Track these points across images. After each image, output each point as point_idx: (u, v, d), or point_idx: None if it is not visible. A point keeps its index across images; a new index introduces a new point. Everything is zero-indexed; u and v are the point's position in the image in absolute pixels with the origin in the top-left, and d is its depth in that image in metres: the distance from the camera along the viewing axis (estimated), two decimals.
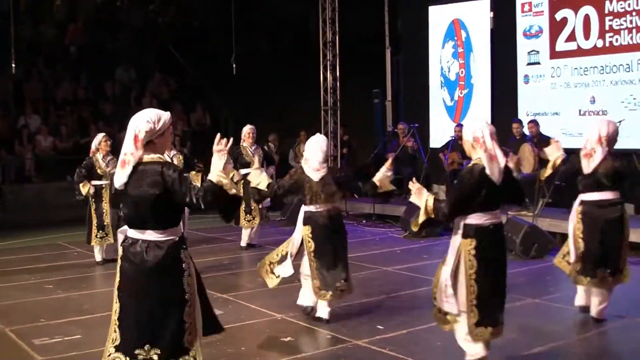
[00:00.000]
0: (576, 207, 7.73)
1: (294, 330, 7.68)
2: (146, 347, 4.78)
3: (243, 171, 12.20)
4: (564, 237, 11.89)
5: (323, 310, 7.85)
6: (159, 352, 4.79)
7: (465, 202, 5.75)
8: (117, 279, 4.95)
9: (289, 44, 25.15)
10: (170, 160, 4.96)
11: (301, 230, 7.84)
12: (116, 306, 4.91)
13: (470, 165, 5.83)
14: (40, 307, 8.89)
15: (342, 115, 18.08)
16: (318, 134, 8.11)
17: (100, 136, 11.64)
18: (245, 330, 7.76)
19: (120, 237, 5.00)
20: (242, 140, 12.51)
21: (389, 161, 8.24)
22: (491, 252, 5.83)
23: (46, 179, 17.47)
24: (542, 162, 12.92)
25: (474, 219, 5.79)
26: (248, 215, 12.33)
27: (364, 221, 15.52)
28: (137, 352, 4.79)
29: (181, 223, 5.00)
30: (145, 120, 4.81)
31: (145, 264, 4.79)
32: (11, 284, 10.23)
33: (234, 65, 18.25)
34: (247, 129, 12.54)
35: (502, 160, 5.74)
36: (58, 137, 18.36)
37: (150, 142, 4.82)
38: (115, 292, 4.95)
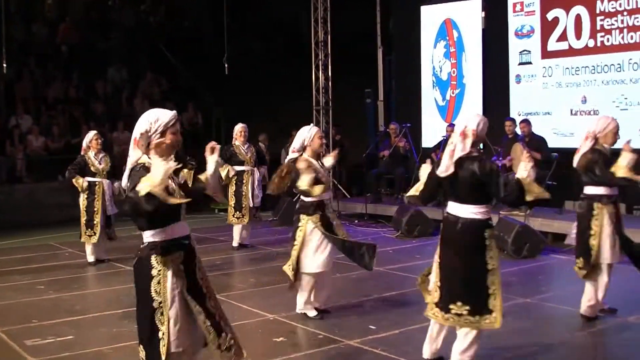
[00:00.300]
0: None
1: (286, 331, 7.68)
2: None
3: (237, 168, 12.24)
4: (555, 236, 12.00)
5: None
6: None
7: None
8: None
9: (281, 43, 25.14)
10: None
11: None
12: None
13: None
14: (32, 308, 8.87)
15: (334, 115, 18.08)
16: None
17: (91, 134, 11.57)
18: (237, 331, 7.73)
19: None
20: (234, 139, 12.52)
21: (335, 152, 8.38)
22: (447, 242, 6.05)
23: (37, 179, 17.41)
24: (534, 162, 13.00)
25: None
26: (237, 212, 12.32)
27: (357, 221, 15.52)
28: None
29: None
30: (145, 120, 4.77)
31: None
32: (3, 285, 10.21)
33: (226, 65, 18.23)
34: (239, 128, 12.53)
35: (459, 153, 5.91)
36: (49, 137, 18.31)
37: (150, 143, 4.75)
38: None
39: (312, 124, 8.17)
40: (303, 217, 7.82)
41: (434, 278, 6.09)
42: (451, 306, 5.93)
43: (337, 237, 7.79)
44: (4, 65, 17.41)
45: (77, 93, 20.42)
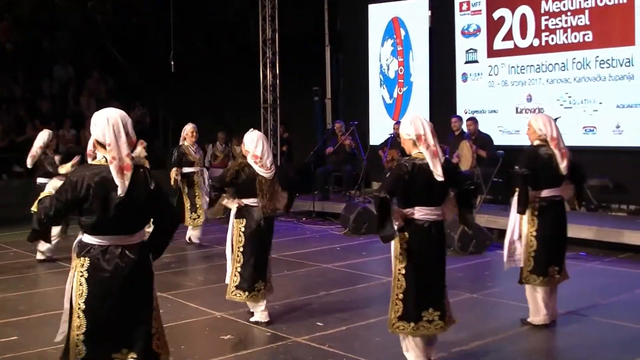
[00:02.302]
0: None
1: (234, 329, 7.66)
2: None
3: (187, 170, 12.20)
4: (501, 233, 12.11)
5: (260, 314, 7.85)
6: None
7: (395, 191, 5.80)
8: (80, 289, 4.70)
9: (226, 42, 25.06)
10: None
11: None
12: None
13: (408, 158, 5.89)
14: None
15: (282, 113, 18.08)
16: (256, 130, 8.00)
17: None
18: (184, 329, 7.72)
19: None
20: (182, 139, 12.45)
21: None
22: (420, 249, 5.89)
23: None
24: (480, 159, 13.17)
25: (410, 211, 5.85)
26: (193, 213, 12.29)
27: (304, 218, 15.53)
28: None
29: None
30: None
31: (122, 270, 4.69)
32: None
33: (172, 63, 18.12)
34: (189, 128, 12.47)
35: (442, 156, 5.82)
36: None
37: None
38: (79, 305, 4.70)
39: (256, 130, 8.00)
40: None
41: (396, 289, 5.97)
42: (423, 314, 5.92)
43: None
44: None
45: (22, 92, 20.13)
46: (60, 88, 20.83)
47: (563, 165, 7.26)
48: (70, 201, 4.57)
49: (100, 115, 4.70)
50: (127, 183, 4.54)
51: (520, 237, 7.50)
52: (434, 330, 5.99)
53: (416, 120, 5.88)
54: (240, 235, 7.67)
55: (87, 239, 4.65)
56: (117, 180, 4.52)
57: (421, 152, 5.80)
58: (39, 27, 22.95)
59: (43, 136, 11.12)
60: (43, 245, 11.05)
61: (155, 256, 4.96)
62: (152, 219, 4.89)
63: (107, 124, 4.61)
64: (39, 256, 11.31)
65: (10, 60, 21.12)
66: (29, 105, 19.69)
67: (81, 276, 4.64)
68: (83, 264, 4.64)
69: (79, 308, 4.64)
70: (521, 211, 7.29)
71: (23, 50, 21.58)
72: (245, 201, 7.67)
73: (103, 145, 4.62)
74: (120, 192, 4.52)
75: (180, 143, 12.47)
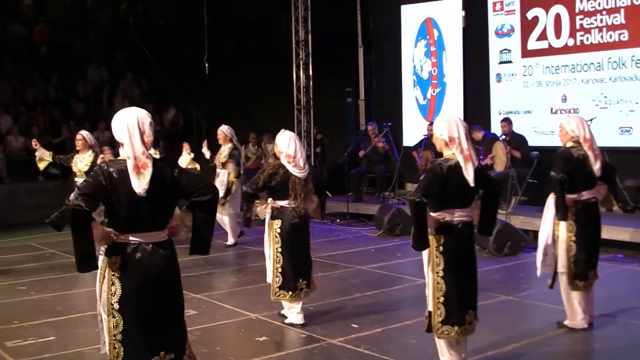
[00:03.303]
0: None
1: (269, 330, 7.67)
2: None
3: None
4: (536, 234, 12.02)
5: (295, 316, 7.85)
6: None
7: (431, 193, 5.76)
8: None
9: (259, 43, 25.16)
10: None
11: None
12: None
13: (442, 159, 5.85)
14: (13, 309, 8.81)
15: (315, 114, 18.08)
16: (288, 131, 8.00)
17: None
18: (219, 330, 7.74)
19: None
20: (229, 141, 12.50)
21: None
22: (456, 250, 5.86)
23: (17, 179, 17.30)
24: (514, 160, 13.09)
25: (442, 215, 5.82)
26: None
27: (338, 220, 15.50)
28: None
29: None
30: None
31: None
32: None
33: (206, 65, 18.18)
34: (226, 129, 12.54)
35: (476, 160, 5.78)
36: (29, 138, 18.19)
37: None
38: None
39: (287, 131, 7.99)
40: None
41: (436, 293, 5.89)
42: (466, 317, 5.89)
43: None
44: None
45: (56, 93, 20.30)
46: (94, 90, 20.98)
47: (597, 167, 7.18)
48: (94, 188, 4.55)
49: (118, 115, 4.77)
50: (144, 181, 4.56)
51: (554, 241, 7.42)
52: (471, 331, 5.96)
53: (451, 122, 5.82)
54: (276, 237, 7.67)
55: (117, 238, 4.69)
56: (132, 179, 4.54)
57: (454, 154, 5.77)
58: (72, 28, 23.18)
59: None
60: None
61: (205, 247, 4.99)
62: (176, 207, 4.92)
63: (121, 124, 4.69)
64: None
65: (45, 62, 21.34)
66: (64, 107, 19.87)
67: (113, 275, 4.66)
68: (115, 263, 4.65)
69: (112, 308, 4.66)
70: (561, 217, 7.21)
71: (56, 51, 21.78)
72: (280, 203, 7.67)
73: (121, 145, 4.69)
74: (138, 190, 4.54)
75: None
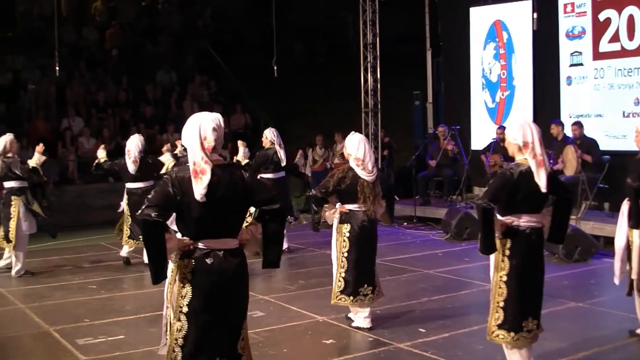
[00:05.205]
0: None
1: (336, 333, 7.67)
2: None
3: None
4: (607, 240, 11.84)
5: (362, 320, 7.83)
6: None
7: (499, 199, 5.69)
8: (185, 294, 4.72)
9: (326, 46, 25.25)
10: None
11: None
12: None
13: (512, 164, 5.78)
14: (83, 308, 8.97)
15: (383, 117, 18.05)
16: (357, 133, 7.98)
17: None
18: (286, 332, 7.76)
19: None
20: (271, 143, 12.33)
21: None
22: (523, 255, 5.77)
23: (88, 180, 17.59)
24: (585, 164, 12.88)
25: (510, 219, 5.74)
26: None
27: (405, 224, 15.45)
28: None
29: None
30: None
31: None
32: (54, 285, 10.32)
33: (274, 67, 18.28)
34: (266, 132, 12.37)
35: (548, 166, 5.69)
36: (100, 139, 18.49)
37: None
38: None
39: (357, 133, 7.97)
40: None
41: (497, 297, 5.84)
42: (524, 324, 5.80)
43: None
44: (57, 68, 17.59)
45: (127, 96, 20.61)
46: (164, 92, 21.25)
47: None
48: (163, 198, 4.58)
49: (187, 121, 4.80)
50: (201, 187, 4.55)
51: (628, 247, 7.27)
52: (531, 341, 5.86)
53: (525, 126, 5.72)
54: (344, 241, 7.66)
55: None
56: (193, 184, 4.57)
57: (526, 159, 5.69)
58: (143, 32, 23.54)
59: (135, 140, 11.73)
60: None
61: (277, 260, 5.03)
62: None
63: (185, 130, 4.75)
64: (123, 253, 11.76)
65: (116, 66, 21.71)
66: (134, 110, 20.16)
67: (184, 278, 4.68)
68: (187, 266, 4.67)
69: (180, 311, 4.68)
70: (633, 225, 7.06)
71: (127, 55, 22.14)
72: (349, 207, 7.66)
73: None
74: (197, 196, 4.55)
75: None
